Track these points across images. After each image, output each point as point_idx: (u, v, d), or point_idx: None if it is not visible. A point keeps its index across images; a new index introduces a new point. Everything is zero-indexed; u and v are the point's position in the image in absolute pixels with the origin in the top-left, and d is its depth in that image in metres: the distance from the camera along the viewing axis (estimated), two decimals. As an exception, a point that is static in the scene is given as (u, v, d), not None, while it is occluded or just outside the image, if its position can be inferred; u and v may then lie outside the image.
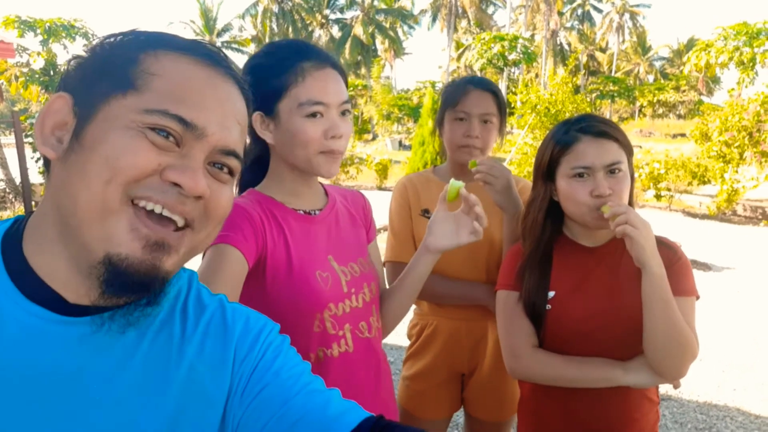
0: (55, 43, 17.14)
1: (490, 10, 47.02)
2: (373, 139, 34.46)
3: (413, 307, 1.82)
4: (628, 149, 1.28)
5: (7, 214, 10.44)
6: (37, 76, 17.11)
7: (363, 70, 46.03)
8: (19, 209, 10.19)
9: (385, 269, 1.69)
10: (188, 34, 47.21)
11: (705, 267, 6.55)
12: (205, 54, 0.61)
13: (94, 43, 0.60)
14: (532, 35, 45.65)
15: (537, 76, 39.17)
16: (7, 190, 11.17)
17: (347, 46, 44.77)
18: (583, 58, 48.95)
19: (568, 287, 1.31)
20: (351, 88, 34.73)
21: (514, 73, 36.31)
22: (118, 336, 0.59)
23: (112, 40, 0.60)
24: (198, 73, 0.59)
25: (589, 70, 50.29)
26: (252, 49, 47.43)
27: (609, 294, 1.28)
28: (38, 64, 17.01)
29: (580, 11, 51.43)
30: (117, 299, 0.56)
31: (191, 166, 0.56)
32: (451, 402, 1.76)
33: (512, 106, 14.25)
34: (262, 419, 0.62)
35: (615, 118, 46.01)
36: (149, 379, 0.60)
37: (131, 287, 0.55)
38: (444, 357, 1.71)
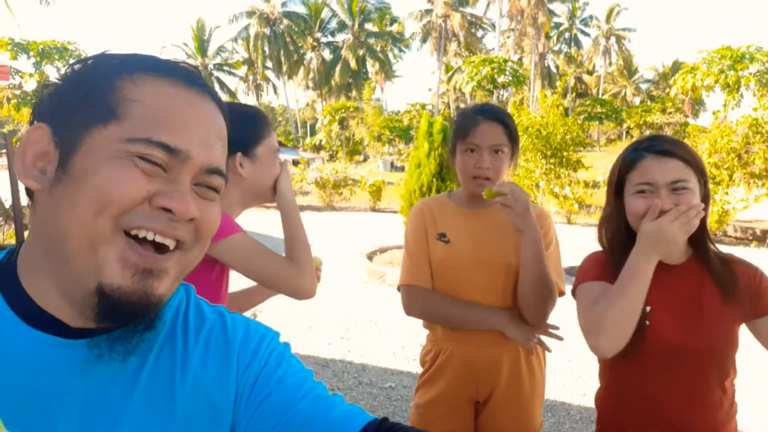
0: (48, 65, 17.17)
1: (480, 33, 47.80)
2: (365, 160, 34.59)
3: (426, 332, 1.81)
4: (697, 168, 1.28)
5: (-3, 237, 10.29)
6: (29, 98, 17.10)
7: (354, 93, 46.40)
8: (9, 232, 10.06)
9: (400, 293, 1.72)
10: (180, 57, 47.25)
11: None
12: (183, 74, 0.60)
13: (65, 70, 0.59)
14: (521, 58, 46.40)
15: (524, 99, 39.67)
16: (-3, 212, 11.02)
17: (337, 68, 45.18)
18: (571, 81, 49.73)
19: (659, 303, 1.30)
20: (342, 110, 34.98)
21: (503, 95, 36.78)
22: (121, 361, 0.60)
23: (81, 66, 0.59)
24: (177, 95, 0.58)
25: (577, 92, 51.06)
26: (243, 71, 47.75)
27: (698, 312, 1.29)
28: (30, 85, 17.01)
29: (567, 35, 52.40)
30: (113, 326, 0.57)
31: (180, 190, 0.56)
32: (465, 430, 1.73)
33: (503, 128, 14.37)
34: (268, 426, 0.63)
35: (603, 140, 46.64)
36: (157, 394, 0.61)
37: (125, 316, 0.56)
38: (458, 384, 1.68)
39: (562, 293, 1.62)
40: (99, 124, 0.55)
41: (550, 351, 1.67)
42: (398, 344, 4.66)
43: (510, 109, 14.52)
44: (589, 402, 3.48)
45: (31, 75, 16.63)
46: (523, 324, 1.61)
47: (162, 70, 0.59)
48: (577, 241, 9.54)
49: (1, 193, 11.88)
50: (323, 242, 9.77)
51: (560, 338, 1.64)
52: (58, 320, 0.57)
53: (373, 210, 14.38)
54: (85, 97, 0.56)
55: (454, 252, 1.65)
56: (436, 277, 1.68)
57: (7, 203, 9.97)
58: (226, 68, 47.67)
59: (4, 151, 9.77)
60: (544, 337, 1.65)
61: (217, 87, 45.81)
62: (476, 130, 1.59)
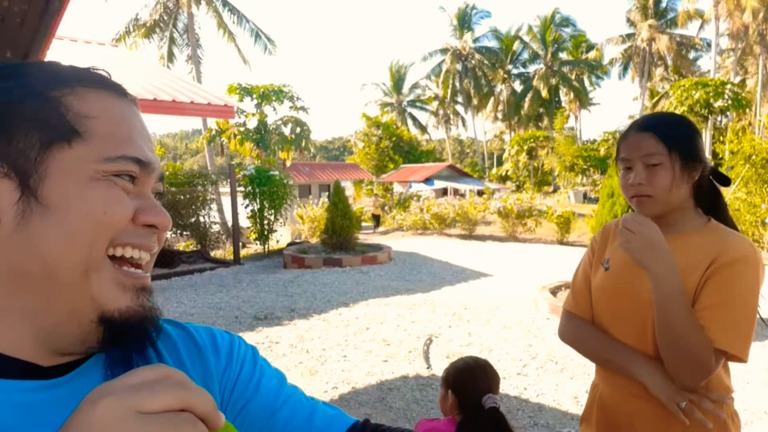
0: (267, 106, 19.80)
1: (692, 55, 43.11)
2: (554, 191, 33.17)
3: (585, 372, 1.62)
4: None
5: (221, 252, 11.97)
6: (250, 134, 19.88)
7: (545, 122, 45.09)
8: (229, 250, 11.63)
9: (561, 315, 1.62)
10: (378, 95, 50.72)
11: None
12: (114, 85, 0.57)
13: None
14: (744, 80, 40.61)
15: (750, 124, 34.51)
16: (221, 231, 12.84)
17: (527, 98, 44.41)
18: (812, 103, 41.97)
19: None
20: (531, 140, 34.14)
21: (720, 121, 32.53)
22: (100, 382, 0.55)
23: (3, 81, 0.52)
24: (120, 106, 0.56)
25: (821, 115, 42.95)
26: (434, 106, 49.56)
27: None
28: (252, 123, 19.78)
29: (807, 50, 44.61)
30: (120, 347, 0.55)
31: (154, 203, 0.56)
32: None
33: (720, 156, 12.62)
34: None
35: None
36: None
37: (136, 337, 0.55)
38: (603, 428, 1.47)
39: (738, 359, 1.23)
40: (60, 144, 0.51)
41: (707, 425, 1.25)
42: (581, 388, 4.23)
43: (729, 135, 12.73)
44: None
45: (253, 114, 19.35)
46: (671, 381, 1.28)
47: (97, 82, 0.56)
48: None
49: (227, 215, 13.77)
50: (503, 273, 9.47)
51: (718, 416, 1.24)
52: (29, 363, 0.52)
53: (560, 243, 13.57)
54: (31, 116, 0.51)
55: (610, 281, 1.44)
56: (594, 307, 1.50)
57: (230, 223, 11.59)
58: (418, 104, 49.95)
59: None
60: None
61: (409, 122, 48.24)
62: (625, 143, 1.38)
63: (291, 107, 20.68)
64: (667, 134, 1.33)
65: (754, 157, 10.81)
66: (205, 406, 0.40)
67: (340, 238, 10.92)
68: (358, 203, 22.56)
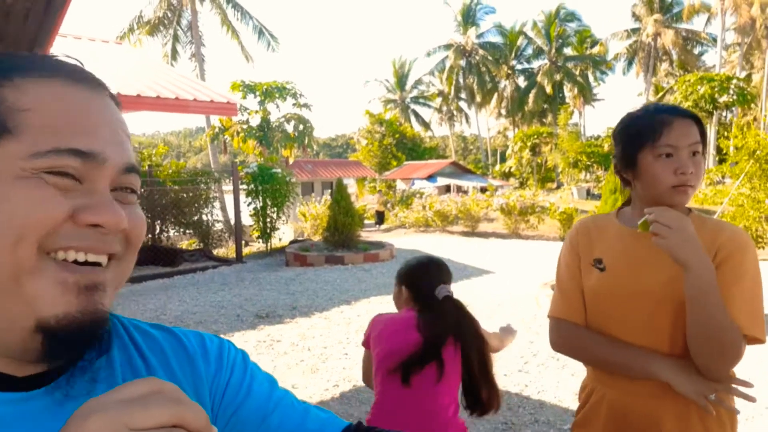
0: (270, 103, 19.81)
1: (697, 50, 42.87)
2: (558, 187, 33.09)
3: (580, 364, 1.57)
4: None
5: (223, 251, 12.00)
6: (253, 131, 19.90)
7: (549, 118, 44.95)
8: (232, 248, 11.67)
9: (549, 325, 1.52)
10: (382, 91, 50.61)
11: None
12: (70, 72, 0.52)
13: None
14: (749, 75, 40.35)
15: (755, 119, 34.31)
16: (223, 229, 12.87)
17: (531, 94, 44.26)
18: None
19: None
20: (534, 136, 34.05)
21: (725, 117, 32.38)
22: (88, 394, 0.52)
23: None
24: (73, 94, 0.51)
25: (827, 110, 42.60)
26: (438, 102, 49.47)
27: None
28: (255, 121, 19.79)
29: (814, 44, 44.29)
30: (64, 358, 0.51)
31: (104, 200, 0.49)
32: None
33: (724, 152, 12.56)
34: None
35: None
36: None
37: (80, 344, 0.50)
38: None
39: (758, 341, 1.26)
40: None
41: (738, 413, 1.30)
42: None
43: (733, 131, 12.66)
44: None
45: (256, 112, 19.35)
46: (697, 375, 1.26)
47: (47, 70, 0.51)
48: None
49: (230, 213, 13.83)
50: (505, 269, 9.46)
51: (752, 399, 1.26)
52: (4, 375, 0.50)
53: (563, 240, 13.53)
54: None
55: (609, 281, 1.38)
56: (589, 310, 1.43)
57: (233, 221, 11.62)
58: (421, 100, 49.88)
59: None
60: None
61: (412, 119, 48.17)
62: (671, 129, 1.31)
63: (294, 104, 20.68)
64: (701, 125, 1.35)
65: (758, 152, 10.74)
66: (198, 421, 0.39)
67: (342, 235, 10.93)
68: (361, 201, 22.58)
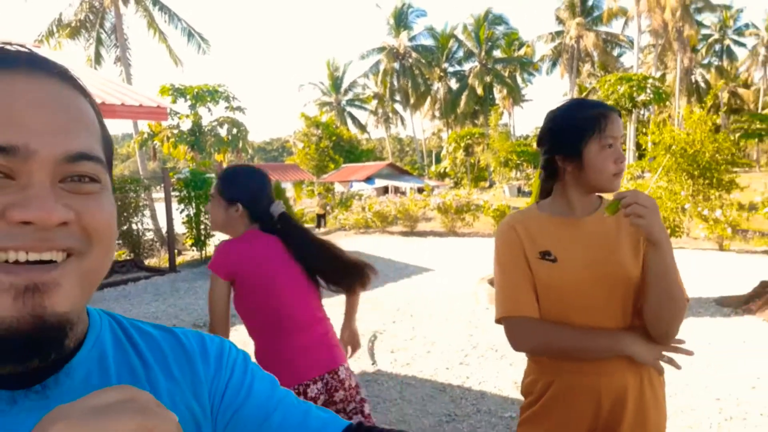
0: (201, 107, 19.24)
1: (616, 51, 45.28)
2: (490, 186, 34.03)
3: (525, 358, 1.61)
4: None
5: (155, 261, 11.54)
6: (184, 136, 19.25)
7: (480, 119, 46.16)
8: (164, 257, 11.24)
9: (504, 327, 1.48)
10: (317, 94, 50.24)
11: None
12: (2, 59, 0.48)
13: None
14: (663, 75, 43.07)
15: (669, 116, 36.64)
16: (155, 238, 12.38)
17: (463, 96, 45.33)
18: (724, 96, 45.04)
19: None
20: (467, 137, 34.89)
21: (643, 114, 34.35)
22: (77, 395, 0.47)
23: None
24: (1, 84, 0.47)
25: (731, 107, 46.04)
26: (373, 105, 49.75)
27: None
28: (186, 125, 19.15)
29: (717, 46, 47.79)
30: (14, 368, 0.47)
31: (36, 194, 0.46)
32: None
33: (643, 148, 13.31)
34: None
35: (764, 159, 41.43)
36: None
37: (23, 351, 0.46)
38: (574, 419, 1.46)
39: (688, 301, 1.41)
40: None
41: (679, 368, 1.44)
42: (521, 374, 4.37)
43: (651, 127, 13.44)
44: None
45: (187, 116, 18.74)
46: (651, 343, 1.39)
47: None
48: (731, 270, 8.42)
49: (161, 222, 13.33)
50: (444, 267, 9.64)
51: (690, 353, 1.41)
52: None
53: (499, 236, 13.96)
54: None
55: (563, 271, 1.42)
56: (543, 302, 1.45)
57: (165, 230, 11.20)
58: (357, 103, 50.01)
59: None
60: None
61: (348, 121, 48.21)
62: (611, 122, 1.42)
63: (227, 108, 20.15)
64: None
65: (674, 147, 11.48)
66: (168, 430, 0.38)
67: (281, 239, 10.77)
68: (299, 205, 22.35)
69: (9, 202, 0.45)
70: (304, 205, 22.40)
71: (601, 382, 1.42)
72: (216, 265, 1.90)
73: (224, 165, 21.81)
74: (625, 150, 1.62)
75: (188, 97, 18.62)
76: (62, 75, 0.51)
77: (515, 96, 45.86)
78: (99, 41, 22.73)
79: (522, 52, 47.10)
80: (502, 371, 4.47)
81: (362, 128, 49.39)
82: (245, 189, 1.93)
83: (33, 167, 0.46)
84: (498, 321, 1.49)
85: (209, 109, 19.11)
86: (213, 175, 11.82)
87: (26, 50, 0.51)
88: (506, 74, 45.59)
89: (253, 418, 0.62)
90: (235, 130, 19.81)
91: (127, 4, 22.46)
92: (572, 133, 1.44)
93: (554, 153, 1.50)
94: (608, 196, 1.50)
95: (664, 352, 1.40)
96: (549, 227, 1.48)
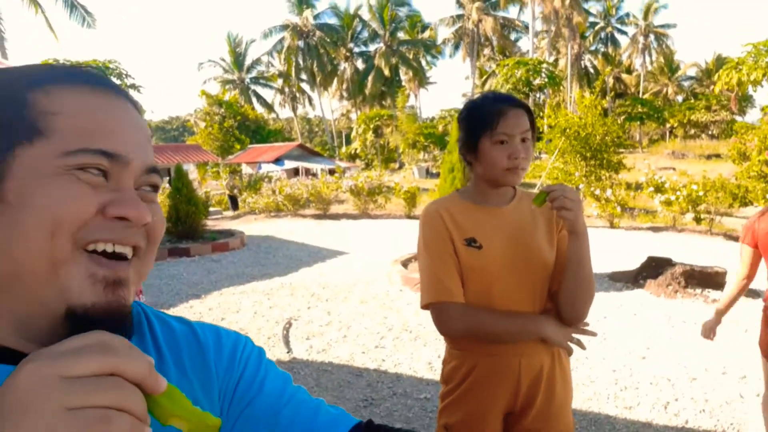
0: (91, 85, 17.82)
1: (513, 36, 47.23)
2: (400, 167, 34.56)
3: (444, 344, 1.69)
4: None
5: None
6: (73, 116, 17.79)
7: (388, 101, 46.52)
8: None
9: (431, 312, 1.54)
10: (218, 72, 47.98)
11: (753, 294, 6.21)
12: (96, 80, 0.58)
13: None
14: (556, 60, 45.63)
15: (563, 100, 38.98)
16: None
17: (370, 77, 45.39)
18: (610, 81, 48.57)
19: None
20: (376, 119, 35.09)
21: (539, 98, 36.26)
22: None
23: None
24: (97, 101, 0.56)
25: (616, 92, 49.80)
26: (279, 84, 48.52)
27: None
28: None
29: (603, 34, 51.26)
30: None
31: (130, 196, 0.54)
32: None
33: (540, 131, 14.10)
34: None
35: (645, 141, 45.38)
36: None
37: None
38: (496, 398, 1.56)
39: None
40: (22, 143, 0.52)
41: (585, 349, 1.59)
42: (434, 354, 4.54)
43: (546, 111, 14.21)
44: (635, 415, 3.28)
45: (75, 94, 17.32)
46: (562, 326, 1.52)
47: (74, 78, 0.56)
48: (621, 246, 9.21)
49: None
50: (358, 249, 9.72)
51: (594, 334, 1.57)
52: (15, 351, 0.53)
53: (408, 217, 14.25)
54: None
55: (487, 258, 1.50)
56: (468, 287, 1.53)
57: None
58: (262, 81, 48.53)
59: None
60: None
61: (254, 100, 46.71)
62: (506, 119, 1.48)
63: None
64: (531, 114, 1.54)
65: (568, 130, 12.26)
66: (137, 370, 0.40)
67: (186, 225, 10.33)
68: (204, 187, 21.46)
69: (108, 199, 0.53)
70: (210, 187, 21.53)
71: (522, 363, 1.54)
72: None
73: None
74: (526, 141, 1.73)
75: (75, 73, 17.20)
76: (130, 98, 0.61)
77: (420, 78, 46.61)
78: (-35, 9, 20.26)
79: (426, 34, 47.83)
80: (416, 352, 4.61)
81: (269, 108, 48.07)
82: None
83: (125, 173, 0.55)
84: (425, 306, 1.54)
85: (100, 87, 17.80)
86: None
87: (106, 75, 0.57)
88: (411, 56, 46.14)
89: (264, 413, 0.65)
90: (130, 110, 18.56)
91: (-2, -32, 20.16)
92: (469, 130, 1.55)
93: (460, 144, 1.61)
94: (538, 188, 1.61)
95: (573, 334, 1.53)
96: (473, 215, 1.57)
